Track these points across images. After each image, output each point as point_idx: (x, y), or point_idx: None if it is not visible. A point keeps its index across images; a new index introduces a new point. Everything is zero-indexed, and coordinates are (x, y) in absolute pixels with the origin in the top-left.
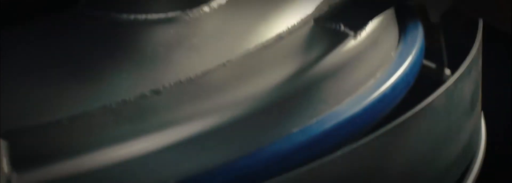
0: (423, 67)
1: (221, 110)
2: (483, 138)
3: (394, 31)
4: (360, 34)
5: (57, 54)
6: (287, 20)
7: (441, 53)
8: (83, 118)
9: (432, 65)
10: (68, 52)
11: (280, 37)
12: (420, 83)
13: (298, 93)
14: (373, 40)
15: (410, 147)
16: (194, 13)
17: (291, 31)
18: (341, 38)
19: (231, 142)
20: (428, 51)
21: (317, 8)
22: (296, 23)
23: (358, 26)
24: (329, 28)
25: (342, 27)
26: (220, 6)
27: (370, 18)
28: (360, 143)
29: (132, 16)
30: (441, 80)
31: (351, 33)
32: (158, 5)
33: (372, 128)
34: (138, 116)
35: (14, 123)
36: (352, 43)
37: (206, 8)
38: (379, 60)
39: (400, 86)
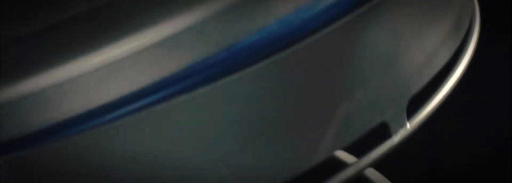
0: None
1: (194, 7)
2: (478, 18)
3: None
4: None
5: None
6: None
7: None
8: (54, 28)
9: None
10: None
11: None
12: None
13: None
14: None
15: (389, 30)
16: None
17: None
18: None
19: (207, 39)
20: None
21: None
22: None
23: None
24: None
25: None
26: None
27: None
28: (333, 27)
29: None
30: None
31: None
32: None
33: None
34: (110, 22)
35: None
36: None
37: None
38: None
39: None
